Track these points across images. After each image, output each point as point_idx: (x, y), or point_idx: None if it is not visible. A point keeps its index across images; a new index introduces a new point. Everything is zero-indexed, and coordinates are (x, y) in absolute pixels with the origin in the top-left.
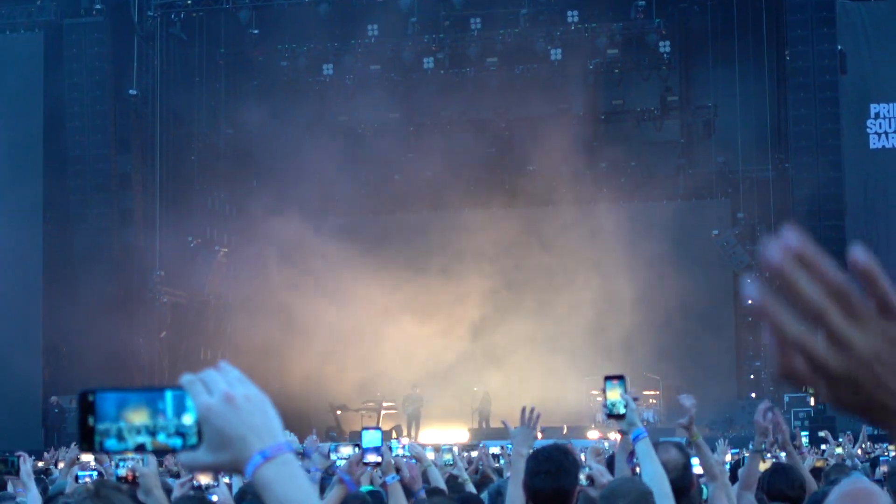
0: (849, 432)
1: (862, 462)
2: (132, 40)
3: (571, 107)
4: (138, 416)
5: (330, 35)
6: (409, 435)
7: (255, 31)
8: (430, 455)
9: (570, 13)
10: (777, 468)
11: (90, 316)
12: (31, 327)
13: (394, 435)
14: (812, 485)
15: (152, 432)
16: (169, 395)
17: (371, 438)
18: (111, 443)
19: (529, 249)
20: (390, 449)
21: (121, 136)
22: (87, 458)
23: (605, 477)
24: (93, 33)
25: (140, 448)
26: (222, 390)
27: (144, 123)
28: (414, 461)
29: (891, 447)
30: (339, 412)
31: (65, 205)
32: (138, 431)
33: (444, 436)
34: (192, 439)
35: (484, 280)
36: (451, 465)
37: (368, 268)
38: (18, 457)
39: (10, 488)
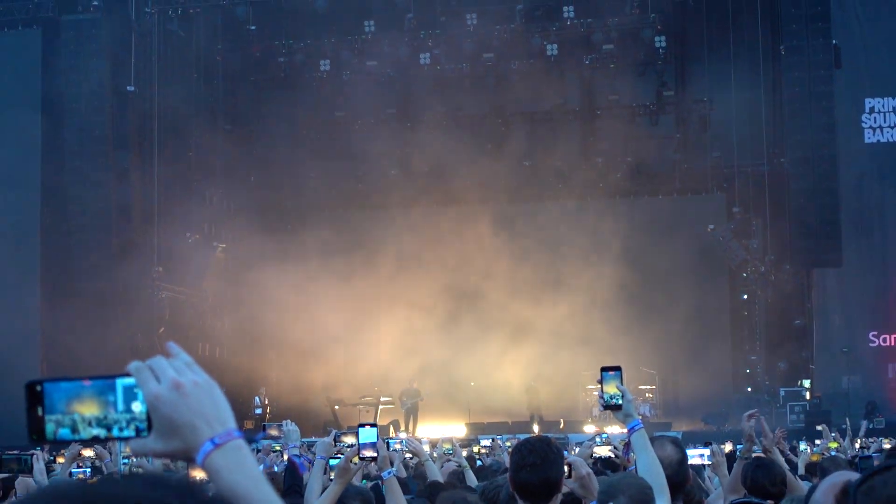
0: (844, 426)
1: (862, 457)
2: (130, 36)
3: (567, 102)
4: (90, 409)
5: (327, 31)
6: (406, 429)
7: (253, 28)
8: (427, 448)
9: (565, 8)
10: (759, 464)
11: (89, 311)
12: (30, 322)
13: (391, 430)
14: (794, 482)
15: (105, 425)
16: (119, 385)
17: (367, 434)
18: (65, 433)
19: (525, 244)
20: (388, 444)
21: (119, 132)
22: (88, 452)
23: (583, 468)
24: (90, 29)
25: (95, 439)
26: (170, 377)
27: (142, 119)
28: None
29: (885, 441)
30: (336, 407)
31: (63, 200)
32: (90, 423)
33: (441, 430)
34: (144, 430)
35: (479, 274)
36: (450, 453)
37: (364, 262)
38: (31, 455)
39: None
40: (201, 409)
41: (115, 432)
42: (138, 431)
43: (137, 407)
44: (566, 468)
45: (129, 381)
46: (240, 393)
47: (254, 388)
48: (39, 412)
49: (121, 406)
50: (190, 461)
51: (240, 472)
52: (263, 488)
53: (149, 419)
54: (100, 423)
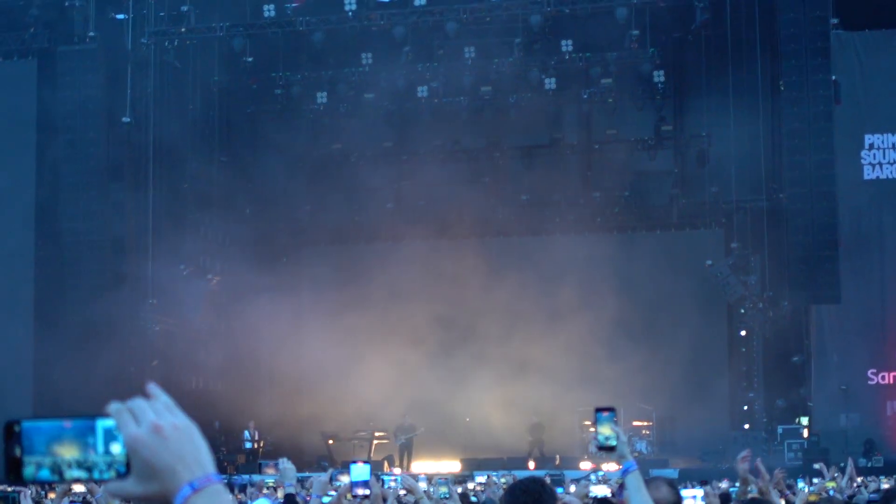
0: (842, 464)
1: (870, 501)
2: (126, 67)
3: (565, 136)
4: (70, 451)
5: (324, 63)
6: (401, 465)
7: (249, 59)
8: (423, 486)
9: (564, 42)
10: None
11: (82, 344)
12: (22, 353)
13: (385, 466)
14: None
15: (86, 468)
16: (100, 427)
17: (359, 472)
18: (44, 474)
19: (523, 279)
20: (382, 481)
21: (114, 163)
22: (79, 488)
23: None
24: (86, 60)
25: (75, 481)
26: (150, 420)
27: (137, 151)
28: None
29: (884, 480)
30: (330, 442)
31: (57, 232)
32: (70, 465)
33: (435, 466)
34: (123, 473)
35: (475, 309)
36: (447, 497)
37: (358, 295)
38: (18, 492)
39: None
40: (180, 453)
41: (96, 475)
42: (118, 474)
43: (117, 449)
44: None
45: (110, 422)
46: (231, 426)
47: (244, 421)
48: (17, 452)
49: (100, 448)
50: None
51: None
52: None
53: (128, 461)
54: (80, 465)
